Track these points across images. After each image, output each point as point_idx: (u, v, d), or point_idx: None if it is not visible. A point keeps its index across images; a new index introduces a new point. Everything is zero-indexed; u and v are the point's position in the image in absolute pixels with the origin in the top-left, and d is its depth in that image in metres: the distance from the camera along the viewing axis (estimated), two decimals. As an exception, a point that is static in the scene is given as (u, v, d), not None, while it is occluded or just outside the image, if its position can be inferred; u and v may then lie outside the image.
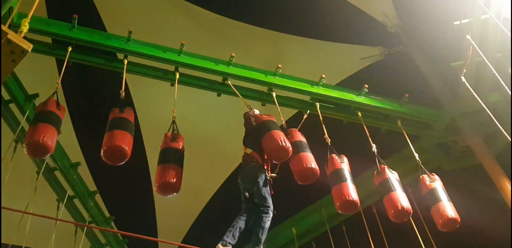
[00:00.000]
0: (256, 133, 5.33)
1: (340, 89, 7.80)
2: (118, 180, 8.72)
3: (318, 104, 7.32)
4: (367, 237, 7.50)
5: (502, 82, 5.37)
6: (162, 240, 8.76)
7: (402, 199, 5.64)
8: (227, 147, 8.77)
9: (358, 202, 5.50)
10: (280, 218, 9.58)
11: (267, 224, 4.87)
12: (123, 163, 4.97)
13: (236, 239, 4.76)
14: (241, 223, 4.81)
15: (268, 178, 5.19)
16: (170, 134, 5.41)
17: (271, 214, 4.93)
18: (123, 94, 5.40)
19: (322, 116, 6.97)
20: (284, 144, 5.02)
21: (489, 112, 5.67)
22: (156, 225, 10.24)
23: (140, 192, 10.07)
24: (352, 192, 5.48)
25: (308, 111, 7.33)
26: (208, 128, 8.76)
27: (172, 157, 5.16)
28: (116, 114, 5.12)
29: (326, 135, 6.33)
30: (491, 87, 7.30)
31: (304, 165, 5.24)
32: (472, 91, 6.16)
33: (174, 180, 4.98)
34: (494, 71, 5.66)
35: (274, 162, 5.33)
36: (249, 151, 5.29)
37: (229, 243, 4.67)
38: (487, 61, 5.89)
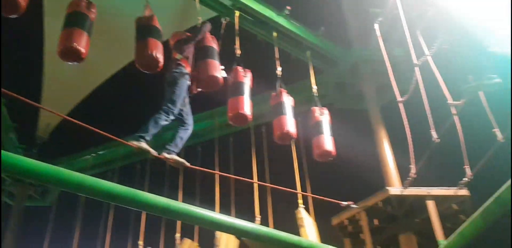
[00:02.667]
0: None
1: (262, 4, 7.93)
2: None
3: (238, 13, 7.42)
4: (250, 152, 8.01)
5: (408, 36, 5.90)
6: (44, 107, 8.53)
7: (290, 123, 6.07)
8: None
9: (250, 117, 5.79)
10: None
11: (161, 122, 4.91)
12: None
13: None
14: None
15: (187, 85, 5.30)
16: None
17: (169, 117, 4.99)
18: None
19: (238, 27, 7.10)
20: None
21: (388, 65, 6.25)
22: (41, 93, 9.96)
23: (29, 53, 9.64)
24: (246, 106, 5.75)
25: (228, 19, 7.36)
26: (117, 4, 8.49)
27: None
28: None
29: (238, 46, 6.50)
30: (399, 42, 7.96)
31: (208, 73, 5.41)
32: (380, 41, 6.71)
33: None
34: (405, 27, 6.13)
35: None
36: (179, 56, 5.31)
37: (173, 151, 4.97)
38: (402, 16, 6.32)
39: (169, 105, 4.99)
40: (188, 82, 5.27)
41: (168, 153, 4.97)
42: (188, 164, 5.14)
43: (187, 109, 5.34)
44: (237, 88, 5.91)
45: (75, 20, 4.99)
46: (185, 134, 5.21)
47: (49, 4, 8.60)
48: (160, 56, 5.12)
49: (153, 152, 4.86)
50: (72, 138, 10.51)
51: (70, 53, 4.89)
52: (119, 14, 8.51)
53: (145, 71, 5.25)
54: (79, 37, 4.86)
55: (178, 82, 5.12)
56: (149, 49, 5.05)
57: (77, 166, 10.41)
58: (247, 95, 5.91)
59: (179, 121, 5.23)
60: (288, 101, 6.41)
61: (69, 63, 5.03)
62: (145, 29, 5.26)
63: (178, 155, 5.14)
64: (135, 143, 4.77)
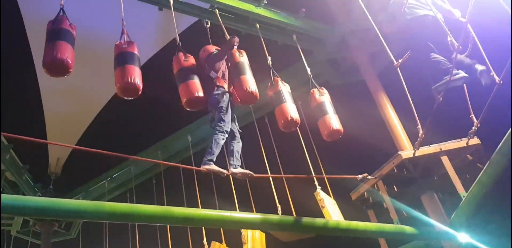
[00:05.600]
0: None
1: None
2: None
3: (217, 12, 7.12)
4: (258, 144, 7.75)
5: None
6: (53, 142, 8.31)
7: (292, 110, 5.81)
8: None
9: (257, 94, 5.60)
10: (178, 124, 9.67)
11: (220, 141, 5.03)
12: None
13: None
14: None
15: (229, 99, 5.35)
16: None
17: (225, 134, 5.11)
18: None
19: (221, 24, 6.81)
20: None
21: (377, 30, 5.99)
22: (45, 130, 9.66)
23: (25, 93, 9.31)
24: (252, 84, 5.57)
25: (209, 22, 7.09)
26: (101, 29, 8.15)
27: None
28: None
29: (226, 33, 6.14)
30: (381, 7, 7.70)
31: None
32: (364, 8, 6.43)
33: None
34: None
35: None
36: (214, 75, 5.41)
37: (237, 165, 5.09)
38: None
39: (221, 124, 5.12)
40: (229, 97, 5.35)
41: (234, 168, 5.07)
42: (254, 174, 5.20)
43: (234, 122, 5.44)
44: (239, 69, 5.66)
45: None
46: (238, 146, 5.31)
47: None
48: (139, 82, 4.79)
49: (224, 171, 4.95)
50: (83, 168, 10.27)
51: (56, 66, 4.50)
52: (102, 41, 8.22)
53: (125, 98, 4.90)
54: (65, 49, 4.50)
55: (220, 101, 5.25)
56: (129, 76, 4.72)
57: (95, 194, 10.18)
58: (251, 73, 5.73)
59: (230, 135, 5.28)
60: (284, 88, 6.15)
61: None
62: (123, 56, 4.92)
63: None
64: (206, 167, 4.90)
